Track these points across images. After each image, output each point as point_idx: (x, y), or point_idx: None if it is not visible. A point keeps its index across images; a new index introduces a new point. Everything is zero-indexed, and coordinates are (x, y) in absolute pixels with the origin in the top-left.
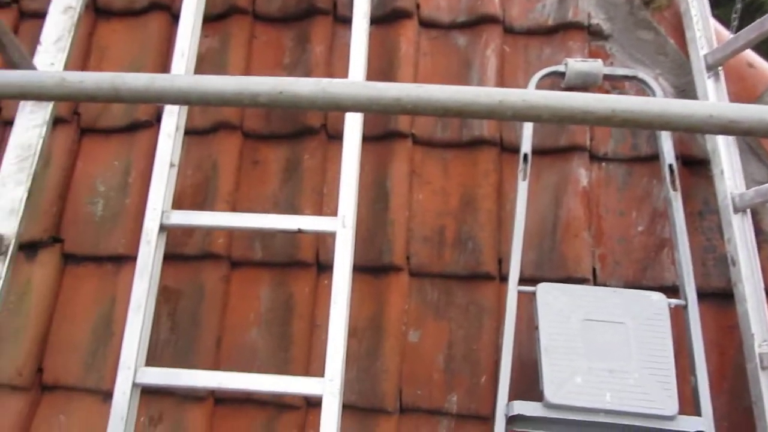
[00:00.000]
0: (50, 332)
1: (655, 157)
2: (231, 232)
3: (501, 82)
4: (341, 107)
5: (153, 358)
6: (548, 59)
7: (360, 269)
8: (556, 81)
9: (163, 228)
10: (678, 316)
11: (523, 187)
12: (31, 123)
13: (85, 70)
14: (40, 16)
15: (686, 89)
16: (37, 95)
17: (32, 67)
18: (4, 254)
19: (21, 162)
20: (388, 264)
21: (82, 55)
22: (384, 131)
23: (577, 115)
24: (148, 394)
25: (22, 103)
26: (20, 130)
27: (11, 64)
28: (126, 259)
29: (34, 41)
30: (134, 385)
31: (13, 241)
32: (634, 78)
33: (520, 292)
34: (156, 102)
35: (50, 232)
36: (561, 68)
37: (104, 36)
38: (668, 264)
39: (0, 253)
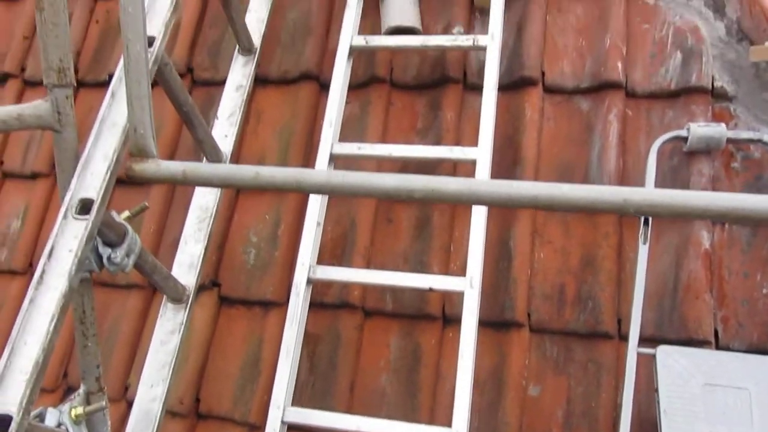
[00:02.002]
0: (206, 366)
1: None
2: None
3: (622, 146)
4: (483, 202)
5: (294, 397)
6: (670, 122)
7: (483, 323)
8: (678, 145)
9: (309, 281)
10: None
11: (643, 251)
12: (208, 188)
13: (245, 131)
14: (209, 84)
15: None
16: (237, 186)
17: (213, 141)
18: (185, 303)
19: (200, 222)
20: (510, 320)
21: (243, 117)
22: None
23: (695, 212)
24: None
25: None
26: (200, 194)
27: (197, 140)
28: (273, 305)
29: (205, 105)
30: (282, 423)
31: (192, 292)
32: (758, 141)
33: (639, 354)
34: (332, 194)
35: (210, 276)
36: (683, 133)
37: (261, 101)
38: None
39: (182, 302)
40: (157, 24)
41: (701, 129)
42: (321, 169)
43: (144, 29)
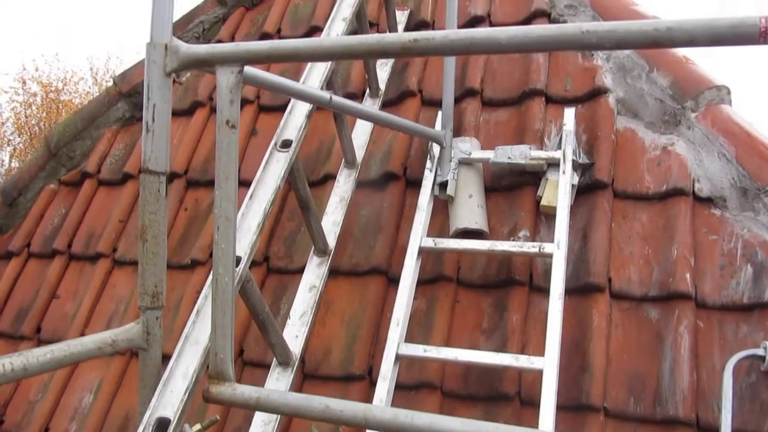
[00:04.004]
0: None
1: None
2: None
3: (695, 360)
4: None
5: None
6: (745, 337)
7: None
8: (755, 362)
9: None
10: None
11: None
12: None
13: (315, 320)
14: (283, 272)
15: None
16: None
17: (284, 343)
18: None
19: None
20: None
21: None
22: (576, 403)
23: None
24: None
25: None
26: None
27: (269, 343)
28: None
29: (277, 292)
30: None
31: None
32: None
33: None
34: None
35: None
36: (760, 352)
37: (331, 291)
38: None
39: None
40: (244, 245)
41: None
42: (388, 408)
43: (233, 266)
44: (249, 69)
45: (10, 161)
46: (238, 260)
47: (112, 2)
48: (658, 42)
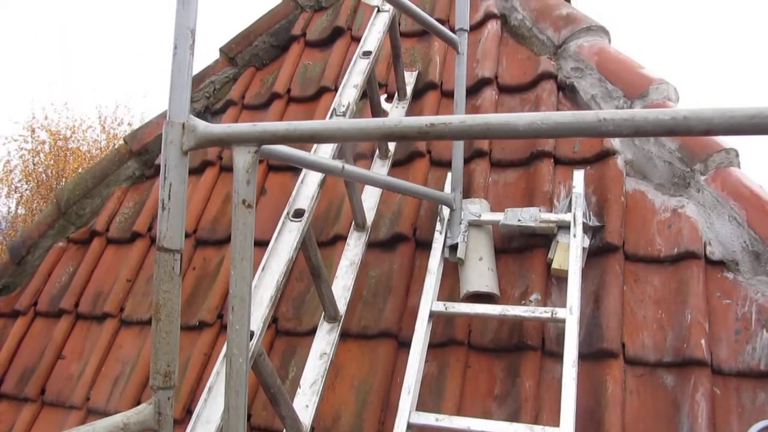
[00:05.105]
0: None
1: None
2: None
3: (713, 429)
4: None
5: None
6: (763, 404)
7: None
8: None
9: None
10: None
11: None
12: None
13: (327, 384)
14: (291, 334)
15: None
16: None
17: (294, 415)
18: None
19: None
20: None
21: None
22: None
23: None
24: None
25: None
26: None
27: (280, 415)
28: None
29: (285, 355)
30: None
31: None
32: None
33: None
34: None
35: None
36: None
37: (341, 354)
38: None
39: None
40: (256, 318)
41: None
42: None
43: (247, 346)
44: None
45: (17, 208)
46: (251, 334)
47: (123, 51)
48: (674, 131)
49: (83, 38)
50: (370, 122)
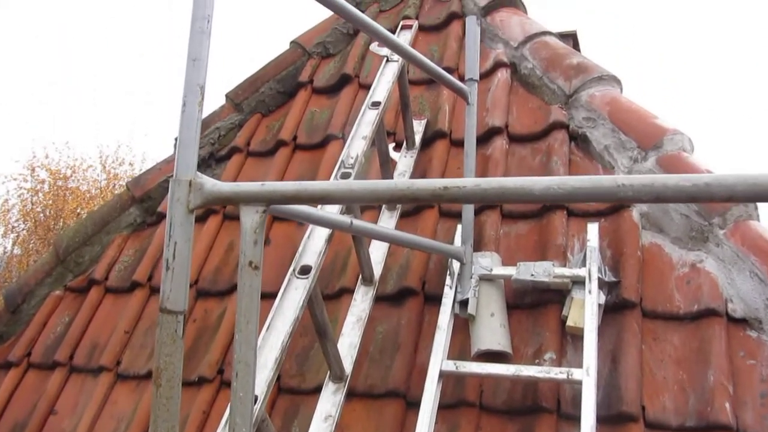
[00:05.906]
0: None
1: None
2: None
3: None
4: None
5: None
6: None
7: None
8: None
9: None
10: None
11: None
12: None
13: None
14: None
15: None
16: None
17: None
18: None
19: None
20: None
21: None
22: None
23: None
24: None
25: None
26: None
27: None
28: None
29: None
30: None
31: None
32: None
33: None
34: None
35: None
36: None
37: (346, 415)
38: None
39: None
40: (260, 382)
41: None
42: None
43: (251, 415)
44: None
45: (12, 248)
46: (255, 399)
47: (123, 51)
48: (695, 197)
49: (83, 38)
50: (380, 184)
